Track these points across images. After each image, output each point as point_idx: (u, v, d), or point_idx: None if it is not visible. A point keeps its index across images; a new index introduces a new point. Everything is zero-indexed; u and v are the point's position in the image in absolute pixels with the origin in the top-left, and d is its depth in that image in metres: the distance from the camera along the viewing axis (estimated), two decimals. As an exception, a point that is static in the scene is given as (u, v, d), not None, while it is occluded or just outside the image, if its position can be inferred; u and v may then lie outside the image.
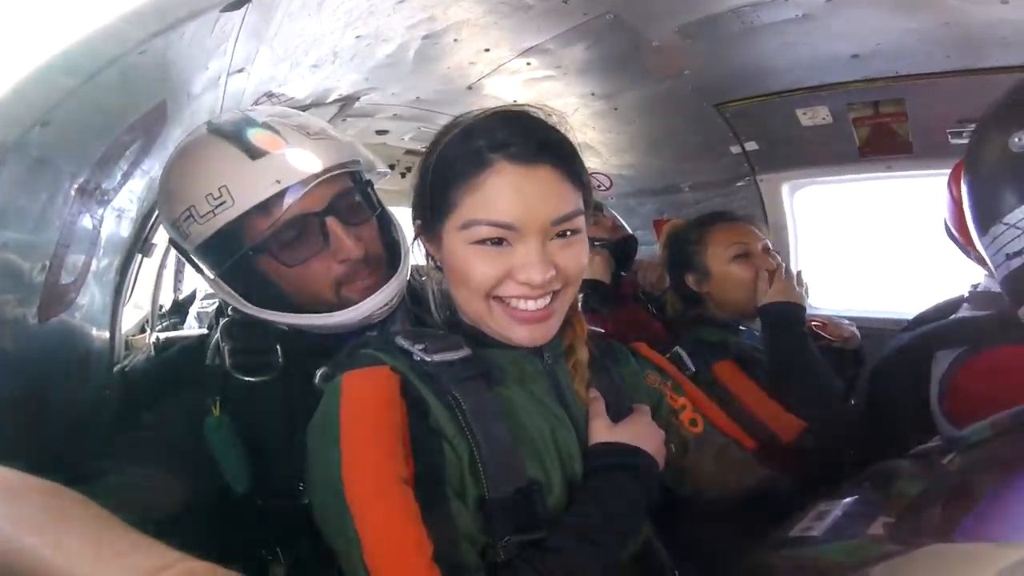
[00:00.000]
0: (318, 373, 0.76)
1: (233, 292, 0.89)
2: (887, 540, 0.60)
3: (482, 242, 0.70)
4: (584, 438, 0.79)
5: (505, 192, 0.69)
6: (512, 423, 0.72)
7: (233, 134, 0.83)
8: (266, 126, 0.84)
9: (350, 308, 0.88)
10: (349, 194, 0.89)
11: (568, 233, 0.72)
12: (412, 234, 0.82)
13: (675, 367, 1.04)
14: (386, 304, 0.90)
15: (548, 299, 0.73)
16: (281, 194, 0.80)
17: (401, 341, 0.73)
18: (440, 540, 0.61)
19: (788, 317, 1.40)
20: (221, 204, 0.80)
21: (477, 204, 0.69)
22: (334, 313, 0.88)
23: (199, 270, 0.94)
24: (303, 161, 0.82)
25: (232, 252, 0.84)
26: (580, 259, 0.75)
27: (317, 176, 0.82)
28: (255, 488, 0.84)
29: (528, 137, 0.70)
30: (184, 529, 0.71)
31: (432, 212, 0.74)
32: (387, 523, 0.61)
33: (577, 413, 0.80)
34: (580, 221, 0.74)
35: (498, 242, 0.70)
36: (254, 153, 0.80)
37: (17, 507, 0.36)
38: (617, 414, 0.83)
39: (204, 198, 0.80)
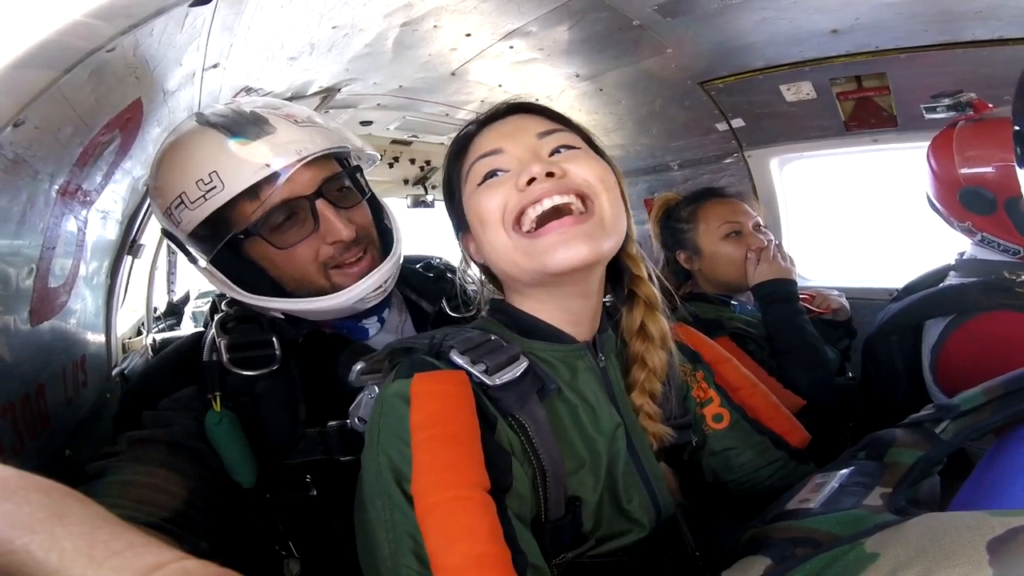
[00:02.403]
0: (355, 369, 0.76)
1: (225, 279, 0.90)
2: (884, 510, 0.61)
3: (484, 180, 0.74)
4: (633, 438, 0.77)
5: (487, 135, 0.78)
6: (560, 438, 0.70)
7: (222, 123, 0.85)
8: (254, 115, 0.86)
9: (342, 292, 0.89)
10: (338, 178, 0.91)
11: (563, 149, 0.75)
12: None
13: (717, 350, 1.01)
14: (379, 287, 0.91)
15: (570, 199, 0.70)
16: (270, 178, 0.82)
17: (457, 358, 0.67)
18: (514, 564, 0.54)
19: (781, 293, 1.43)
20: (212, 189, 0.81)
21: (472, 154, 0.77)
22: (326, 297, 0.89)
23: (192, 259, 0.94)
24: (291, 146, 0.83)
25: (223, 236, 0.86)
26: (591, 166, 0.73)
27: (304, 159, 0.83)
28: (263, 483, 0.84)
29: (500, 105, 0.81)
30: (198, 526, 0.73)
31: (453, 201, 0.81)
32: (473, 541, 0.52)
33: (629, 420, 0.78)
34: (574, 138, 0.77)
35: (500, 173, 0.74)
36: (243, 139, 0.82)
37: (12, 506, 0.36)
38: (665, 403, 0.82)
39: (195, 184, 0.81)
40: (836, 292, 1.70)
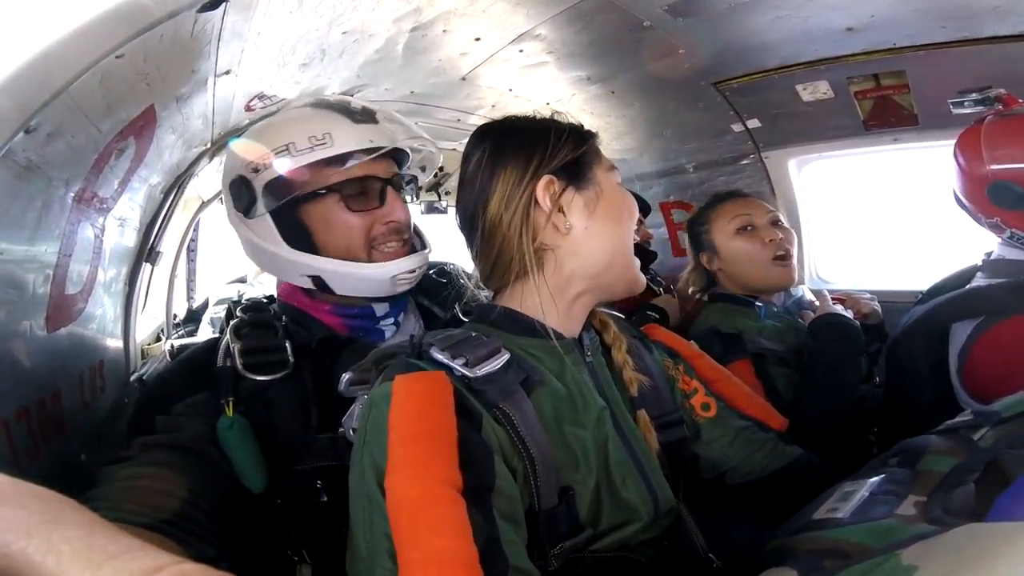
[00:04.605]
0: (344, 379, 0.76)
1: (276, 232, 0.94)
2: (919, 520, 0.58)
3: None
4: (622, 422, 0.79)
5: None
6: (549, 428, 0.70)
7: (338, 105, 0.98)
8: (363, 106, 0.99)
9: (379, 264, 0.95)
10: (403, 176, 1.02)
11: None
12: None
13: (692, 347, 1.03)
14: (412, 271, 0.97)
15: None
16: (368, 151, 0.93)
17: (437, 355, 0.69)
18: (492, 565, 0.53)
19: (836, 325, 1.37)
20: (321, 144, 0.91)
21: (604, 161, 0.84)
22: (365, 265, 0.95)
23: (245, 210, 0.97)
24: (389, 133, 0.97)
25: (304, 189, 0.93)
26: None
27: (396, 144, 0.96)
28: (275, 488, 0.84)
29: None
30: (204, 531, 0.73)
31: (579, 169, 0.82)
32: (437, 537, 0.52)
33: (616, 408, 0.79)
34: None
35: None
36: (355, 119, 0.95)
37: (8, 511, 0.36)
38: (657, 400, 0.85)
39: (306, 138, 0.91)
40: (868, 295, 1.65)
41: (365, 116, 0.96)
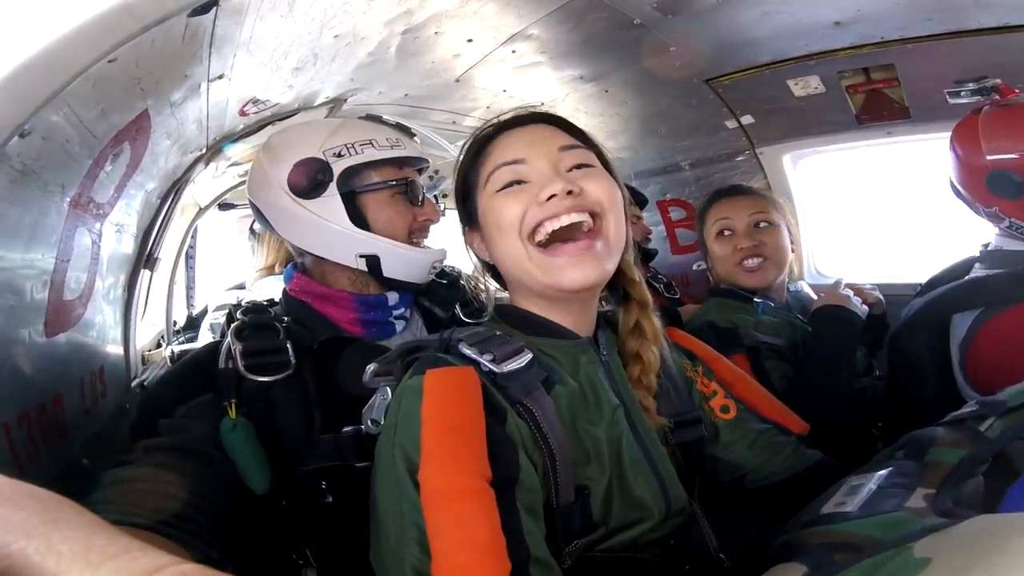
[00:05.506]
0: (368, 370, 0.79)
1: (344, 211, 1.03)
2: (929, 512, 0.58)
3: (505, 188, 0.79)
4: (636, 421, 0.79)
5: (509, 141, 0.82)
6: (566, 426, 0.72)
7: (389, 121, 1.20)
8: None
9: (424, 249, 1.09)
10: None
11: (583, 166, 0.80)
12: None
13: (709, 350, 1.03)
14: (439, 260, 1.11)
15: (584, 218, 0.76)
16: (419, 160, 1.12)
17: (466, 350, 0.72)
18: (514, 555, 0.55)
19: (837, 319, 1.39)
20: (397, 146, 1.07)
21: (493, 160, 0.81)
22: (414, 248, 1.08)
23: (312, 194, 1.03)
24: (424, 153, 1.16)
25: (375, 179, 1.06)
26: (605, 187, 0.79)
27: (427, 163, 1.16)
28: (279, 489, 0.84)
29: (522, 112, 0.87)
30: (206, 533, 0.73)
31: (467, 199, 0.86)
32: (470, 528, 0.54)
33: (631, 406, 0.80)
34: (591, 157, 0.82)
35: (520, 183, 0.79)
36: (409, 134, 1.19)
37: (6, 511, 0.36)
38: (673, 399, 0.87)
39: (385, 138, 1.07)
40: (869, 286, 1.66)
41: (412, 134, 1.18)
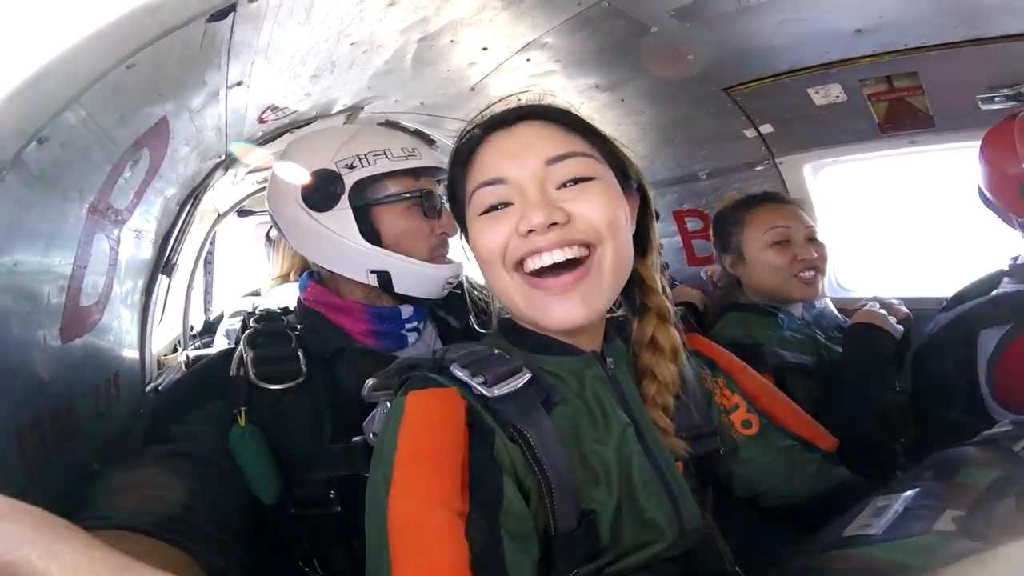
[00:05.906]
0: (367, 384, 0.77)
1: (355, 225, 1.00)
2: (960, 536, 0.55)
3: (488, 211, 0.72)
4: (648, 439, 0.75)
5: (491, 154, 0.74)
6: (569, 449, 0.69)
7: (408, 128, 1.26)
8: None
9: (437, 265, 1.05)
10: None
11: (576, 181, 0.71)
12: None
13: (733, 359, 0.99)
14: (456, 276, 1.08)
15: (571, 255, 0.68)
16: (436, 171, 1.07)
17: (457, 371, 0.68)
18: None
19: (872, 338, 1.32)
20: (413, 156, 1.03)
21: (475, 176, 0.74)
22: (428, 264, 1.04)
23: (326, 205, 1.00)
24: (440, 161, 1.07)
25: (390, 190, 1.03)
26: (602, 207, 0.70)
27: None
28: (287, 498, 0.84)
29: (509, 107, 0.76)
30: (212, 540, 0.72)
31: (458, 212, 0.81)
32: (433, 559, 0.52)
33: (642, 423, 0.76)
34: (589, 165, 0.72)
35: (503, 206, 0.71)
36: (428, 142, 1.20)
37: (7, 525, 0.37)
38: (687, 412, 0.81)
39: (400, 148, 1.03)
40: (896, 301, 1.60)
41: (432, 141, 1.13)
